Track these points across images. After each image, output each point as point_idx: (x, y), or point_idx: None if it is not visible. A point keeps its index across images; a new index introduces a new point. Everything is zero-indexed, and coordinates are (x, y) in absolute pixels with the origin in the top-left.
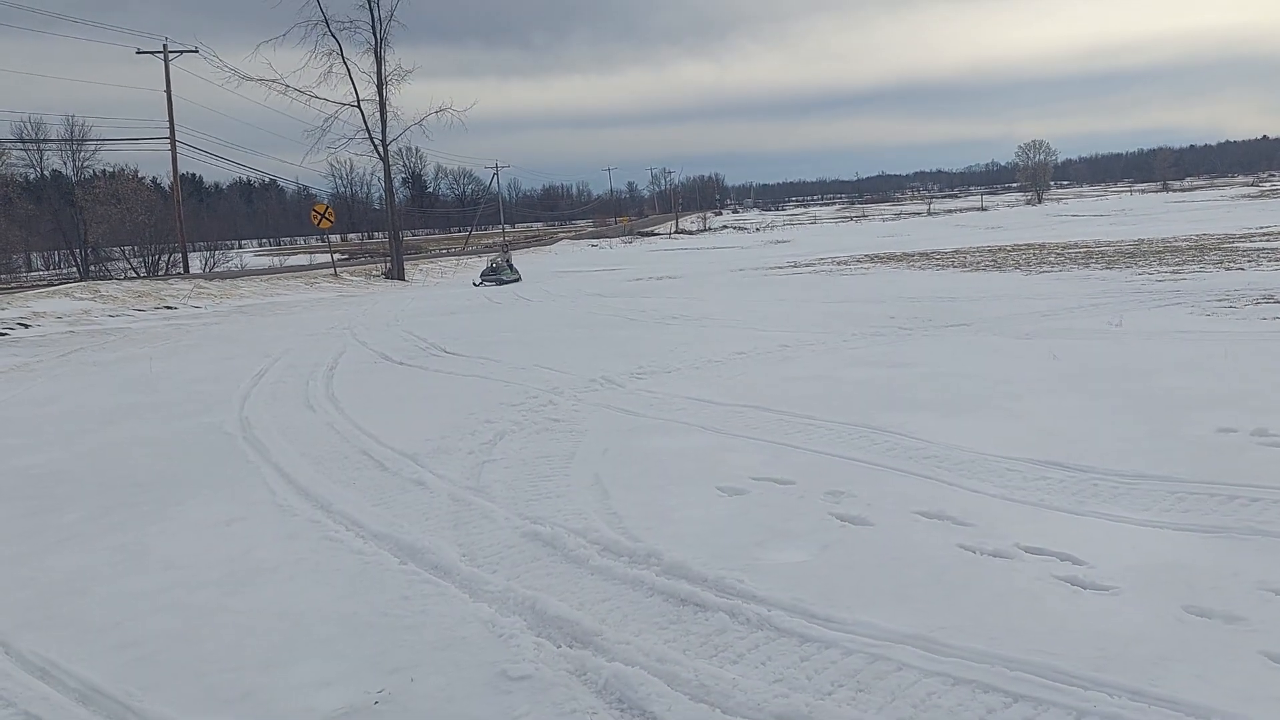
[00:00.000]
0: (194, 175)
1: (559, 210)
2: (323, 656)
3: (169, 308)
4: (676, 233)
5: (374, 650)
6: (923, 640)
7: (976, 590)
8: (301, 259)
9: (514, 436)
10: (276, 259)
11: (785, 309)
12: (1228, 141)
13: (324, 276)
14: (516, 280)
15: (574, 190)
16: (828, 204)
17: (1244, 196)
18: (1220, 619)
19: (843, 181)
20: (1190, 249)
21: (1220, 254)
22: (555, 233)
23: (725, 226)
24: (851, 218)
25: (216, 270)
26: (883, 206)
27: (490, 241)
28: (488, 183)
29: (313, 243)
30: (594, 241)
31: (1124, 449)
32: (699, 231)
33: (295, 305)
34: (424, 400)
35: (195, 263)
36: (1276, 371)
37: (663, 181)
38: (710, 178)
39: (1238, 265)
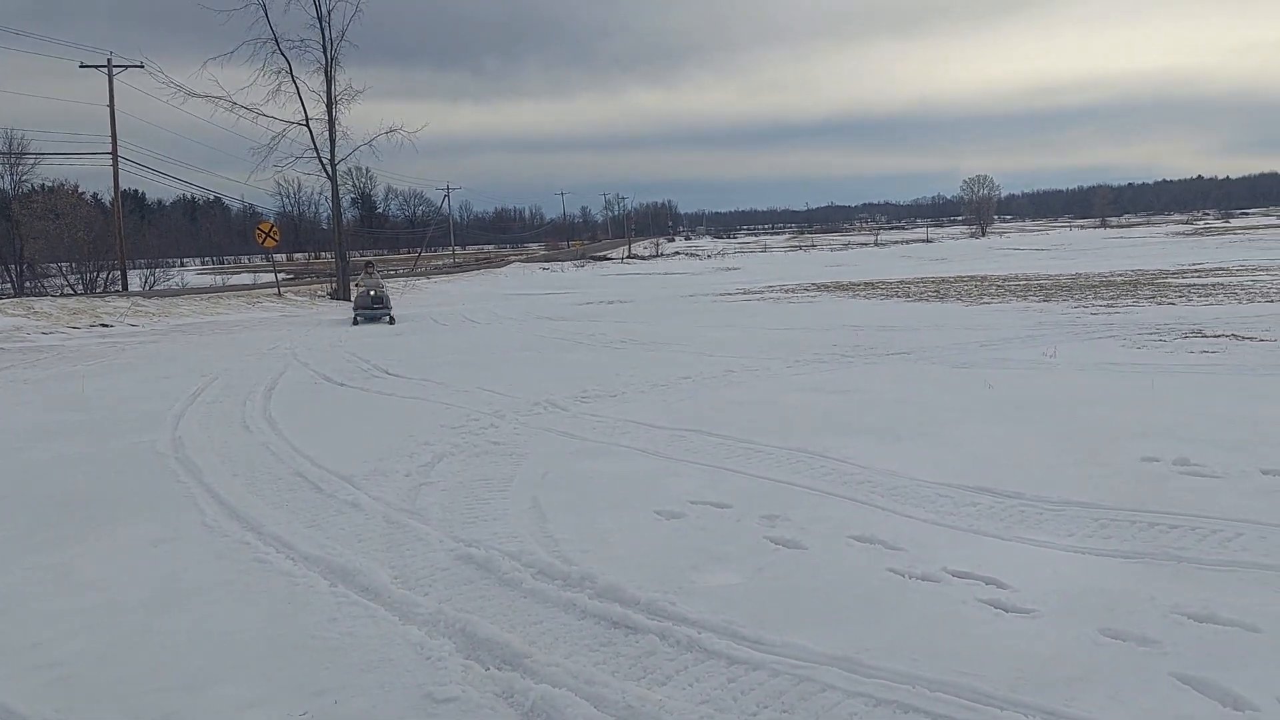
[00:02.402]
0: (136, 191)
1: (511, 233)
2: (247, 678)
3: (105, 325)
4: (629, 258)
5: (299, 672)
6: (848, 662)
7: (903, 613)
8: (245, 278)
9: (453, 459)
10: (219, 278)
11: (732, 335)
12: (1164, 180)
13: (267, 296)
14: (389, 315)
15: (526, 213)
16: (778, 233)
17: (1178, 234)
18: (1134, 641)
19: (793, 211)
20: (1125, 284)
21: (1153, 289)
22: (507, 255)
23: (678, 253)
24: (801, 247)
25: (156, 288)
26: (832, 236)
27: (439, 262)
28: (439, 204)
29: (257, 262)
30: (545, 265)
31: (1052, 476)
32: (651, 257)
33: (236, 325)
34: (363, 422)
35: (135, 280)
36: (1201, 404)
37: (616, 207)
38: (663, 204)
39: (1169, 300)
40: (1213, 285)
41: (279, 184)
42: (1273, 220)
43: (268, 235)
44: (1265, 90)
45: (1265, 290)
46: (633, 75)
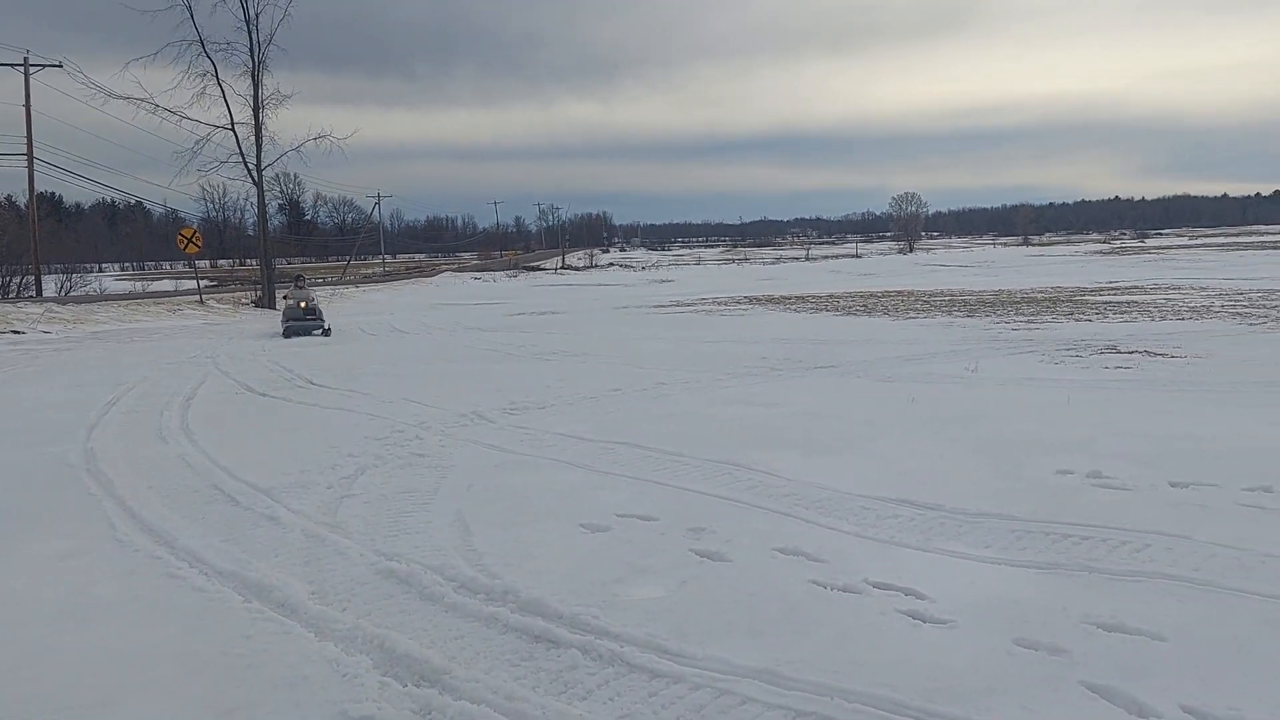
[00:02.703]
0: (53, 194)
1: (443, 242)
2: (156, 696)
3: (16, 332)
4: (562, 268)
5: (210, 690)
6: (769, 674)
7: (824, 624)
8: (167, 285)
9: (376, 471)
10: (139, 284)
11: (664, 347)
12: (1084, 201)
13: (189, 303)
14: (322, 328)
15: (459, 222)
16: (712, 246)
17: (1096, 253)
18: (1046, 651)
19: (727, 225)
20: (1045, 300)
21: (1071, 306)
22: (438, 264)
23: (612, 264)
24: (734, 260)
25: (73, 294)
26: (764, 250)
27: (369, 271)
28: (369, 212)
29: (179, 268)
30: (477, 275)
31: (971, 489)
32: (585, 268)
33: (155, 333)
34: (284, 433)
35: (50, 286)
36: (1113, 418)
37: (550, 217)
38: (598, 215)
39: (1086, 317)
40: (1127, 303)
41: (204, 189)
42: (1185, 241)
43: (190, 241)
44: (1179, 116)
45: (1176, 309)
46: (566, 86)
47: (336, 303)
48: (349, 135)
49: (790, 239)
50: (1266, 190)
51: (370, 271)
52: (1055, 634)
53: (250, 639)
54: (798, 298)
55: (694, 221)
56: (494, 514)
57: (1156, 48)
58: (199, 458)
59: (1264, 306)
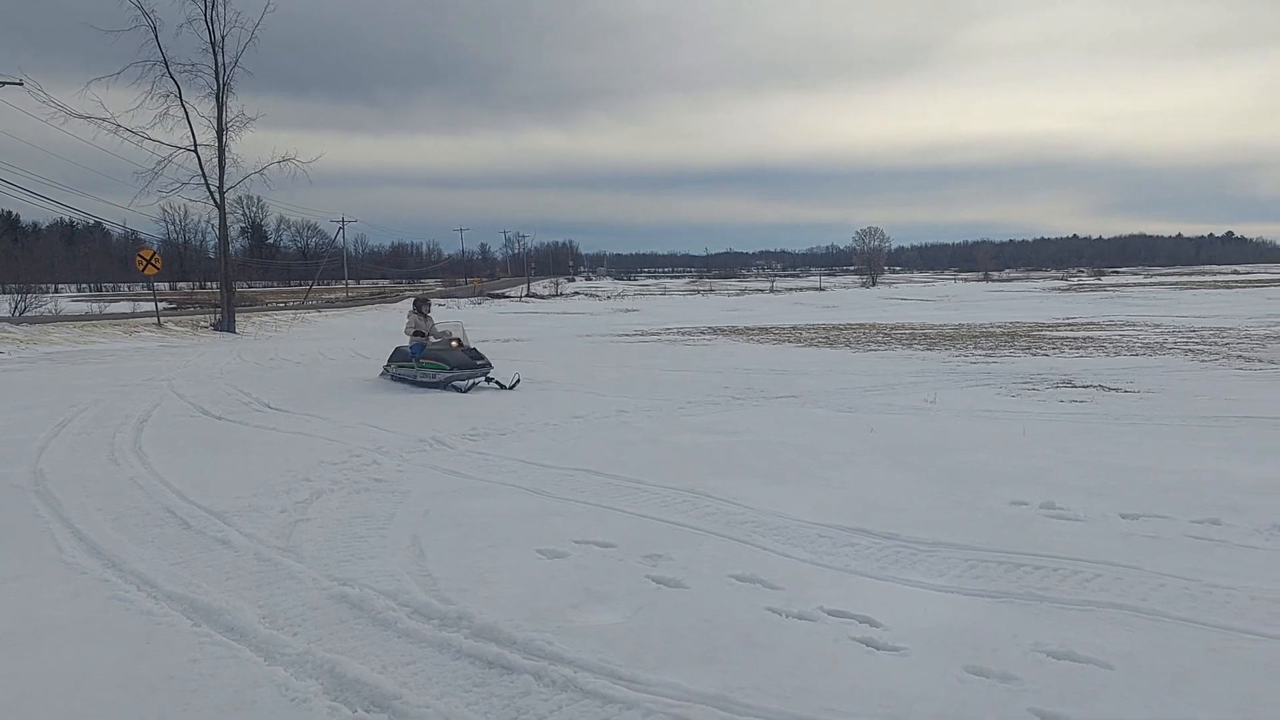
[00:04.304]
0: (9, 213)
1: (407, 268)
2: None
3: None
4: (528, 296)
5: (156, 715)
6: (723, 700)
7: (779, 651)
8: (124, 306)
9: (332, 496)
10: (96, 305)
11: (627, 375)
12: (1042, 238)
13: (147, 325)
14: (487, 374)
15: (424, 249)
16: (678, 276)
17: (1054, 289)
18: (997, 679)
19: (692, 256)
20: (1003, 335)
21: (1029, 340)
22: (403, 290)
23: (577, 293)
24: (699, 291)
25: (27, 314)
26: (729, 282)
27: (332, 296)
28: (333, 236)
29: (138, 290)
30: (441, 301)
31: (927, 518)
32: (550, 296)
33: (111, 354)
34: (239, 457)
35: (4, 305)
36: (1067, 450)
37: (516, 245)
38: (564, 244)
39: (1043, 351)
40: (1083, 339)
41: (164, 210)
42: (1140, 279)
43: (149, 262)
44: (1136, 157)
45: (1131, 345)
46: (533, 116)
47: (298, 327)
48: (313, 159)
49: (755, 271)
50: (1219, 231)
51: (334, 296)
52: (1006, 662)
53: (198, 663)
54: (761, 329)
55: (660, 252)
56: (450, 539)
57: (1115, 91)
58: (151, 480)
59: (1215, 344)
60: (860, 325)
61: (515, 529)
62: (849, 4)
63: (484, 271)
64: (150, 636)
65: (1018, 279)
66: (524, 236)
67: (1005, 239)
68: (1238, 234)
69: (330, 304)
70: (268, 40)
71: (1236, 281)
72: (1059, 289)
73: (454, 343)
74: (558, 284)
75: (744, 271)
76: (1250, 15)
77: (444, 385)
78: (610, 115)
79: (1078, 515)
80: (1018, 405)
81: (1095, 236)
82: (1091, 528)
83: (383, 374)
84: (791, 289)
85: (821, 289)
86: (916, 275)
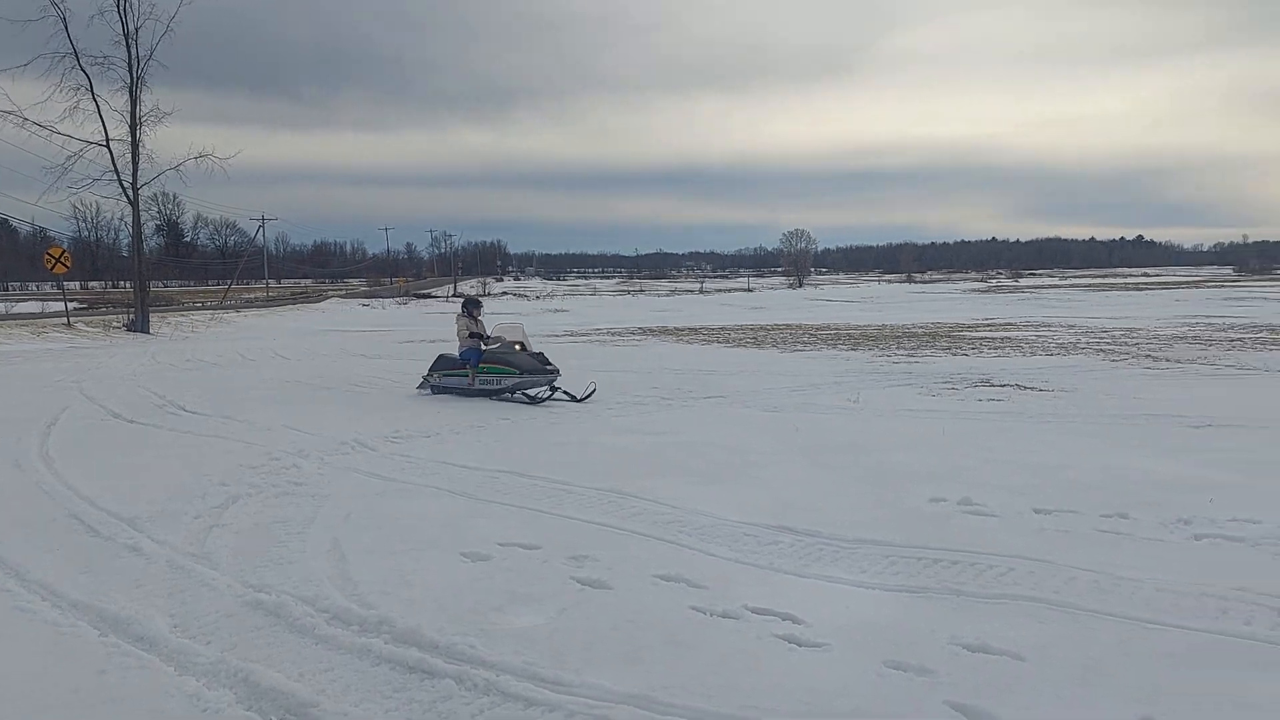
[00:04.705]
0: None
1: (330, 268)
2: None
3: None
4: (454, 296)
5: None
6: (645, 700)
7: (703, 650)
8: (32, 306)
9: (250, 500)
10: (2, 305)
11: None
12: (963, 241)
13: (56, 326)
14: (556, 376)
15: (348, 248)
16: (608, 276)
17: (974, 291)
18: (914, 672)
19: (623, 256)
20: (925, 335)
21: (949, 341)
22: (325, 290)
23: (505, 293)
24: (629, 291)
25: None
26: (659, 283)
27: (252, 296)
28: (252, 235)
29: (47, 289)
30: (366, 301)
31: (849, 516)
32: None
33: (18, 356)
34: (153, 461)
35: None
36: (985, 448)
37: (443, 244)
38: (492, 243)
39: (963, 351)
40: (1001, 339)
41: (75, 207)
42: (1056, 281)
43: (58, 261)
44: (1051, 162)
45: (1046, 345)
46: (460, 114)
47: (216, 327)
48: (232, 155)
49: (685, 272)
50: (1130, 235)
51: (253, 296)
52: (923, 655)
53: (105, 674)
54: (691, 329)
55: (590, 252)
56: (372, 543)
57: (1031, 98)
58: (58, 486)
59: (1125, 344)
60: (787, 326)
61: (439, 532)
62: (775, 9)
63: (410, 271)
64: (55, 648)
65: (939, 280)
66: (451, 236)
67: (928, 241)
68: (1148, 238)
69: (250, 304)
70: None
71: (1146, 284)
72: (979, 290)
73: (516, 345)
74: (485, 284)
75: (674, 272)
76: (1161, 27)
77: (511, 393)
78: (539, 114)
79: (994, 511)
80: (938, 404)
81: (1013, 239)
82: (1007, 523)
83: (421, 386)
84: (721, 290)
85: (750, 290)
86: (842, 277)
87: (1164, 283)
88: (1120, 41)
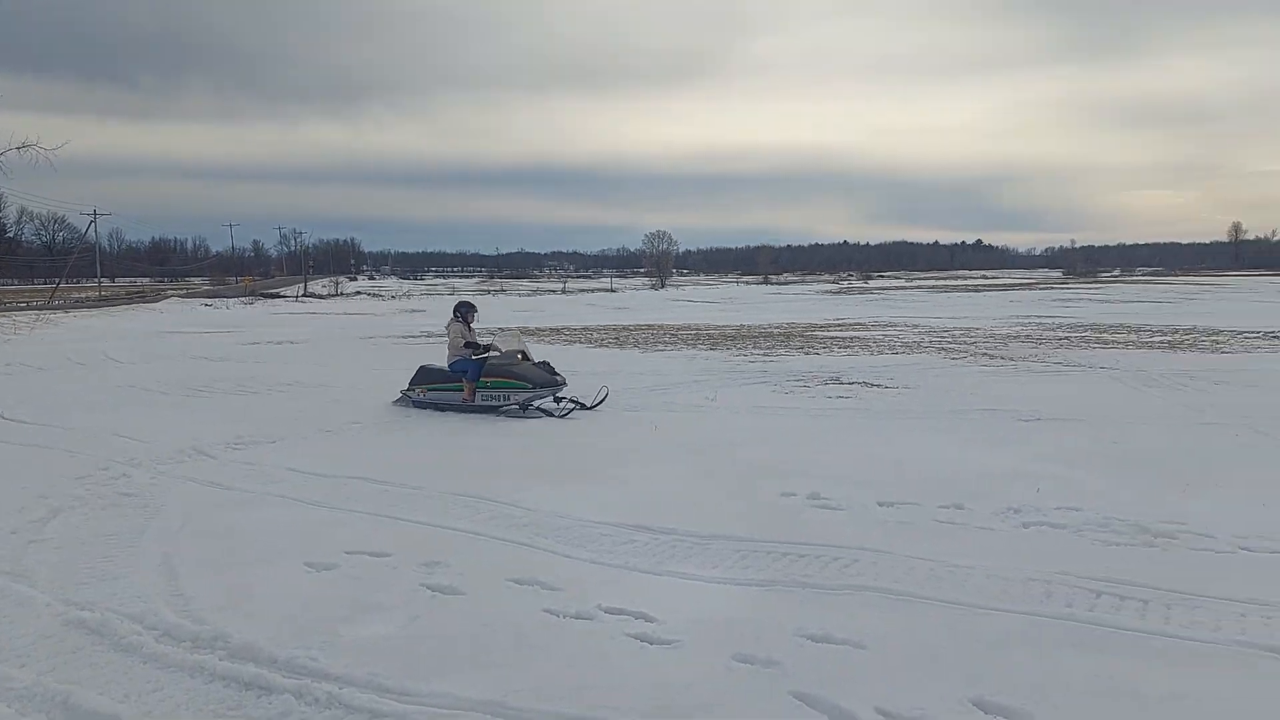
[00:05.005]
0: None
1: (170, 265)
2: None
3: None
4: (305, 296)
5: None
6: (495, 705)
7: (555, 652)
8: None
9: (73, 513)
10: None
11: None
12: (817, 244)
13: None
14: (564, 386)
15: (189, 245)
16: (468, 276)
17: (827, 292)
18: (761, 664)
19: (484, 255)
20: (780, 335)
21: (803, 340)
22: (164, 289)
23: (359, 292)
24: (490, 291)
25: None
26: (521, 282)
27: (83, 295)
28: (83, 231)
29: None
30: (208, 301)
31: (704, 513)
32: (330, 296)
33: None
34: None
35: None
36: (834, 444)
37: (293, 242)
38: (346, 241)
39: (815, 351)
40: (851, 338)
41: None
42: (902, 283)
43: None
44: (898, 169)
45: (892, 344)
46: (311, 107)
47: (42, 329)
48: (59, 146)
49: (548, 271)
50: (970, 239)
51: (84, 296)
52: (770, 648)
53: None
54: (552, 329)
55: (449, 251)
56: (208, 555)
57: (881, 107)
58: None
59: (964, 342)
60: (649, 326)
61: (282, 542)
62: (636, 11)
63: (257, 269)
64: None
65: (795, 282)
66: (302, 233)
67: (784, 244)
68: (986, 242)
69: (80, 304)
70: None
71: (984, 285)
72: (831, 291)
73: (518, 355)
74: (338, 283)
75: (536, 272)
76: (1000, 43)
77: (523, 408)
78: (394, 110)
79: (840, 505)
80: (791, 402)
81: (864, 242)
82: (853, 516)
83: (399, 401)
84: (584, 290)
85: (613, 290)
86: (703, 278)
87: (1000, 285)
88: (963, 55)
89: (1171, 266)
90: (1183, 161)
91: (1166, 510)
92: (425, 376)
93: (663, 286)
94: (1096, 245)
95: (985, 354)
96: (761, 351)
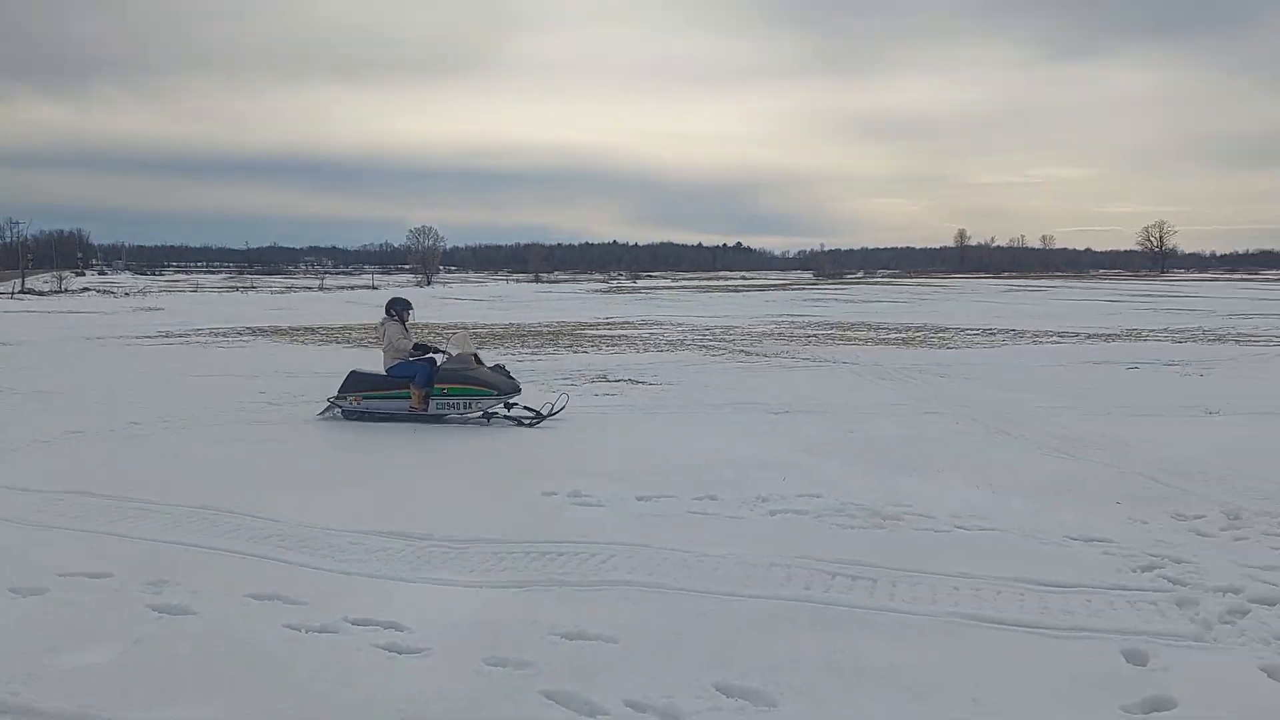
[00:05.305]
0: None
1: None
2: None
3: None
4: (22, 292)
5: None
6: None
7: (296, 670)
8: None
9: None
10: None
11: (145, 382)
12: (587, 243)
13: None
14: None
15: None
16: (214, 271)
17: (597, 291)
18: (513, 666)
19: (232, 250)
20: (549, 333)
21: (572, 339)
22: None
23: (87, 289)
24: (240, 288)
25: None
26: (274, 279)
27: None
28: None
29: None
30: None
31: (463, 516)
32: (53, 293)
33: None
34: None
35: None
36: (597, 440)
37: (8, 233)
38: (72, 233)
39: (584, 349)
40: (618, 337)
41: None
42: (669, 282)
43: None
44: (664, 172)
45: (657, 342)
46: (29, 83)
47: None
48: None
49: (305, 268)
50: (731, 241)
51: None
52: (523, 649)
53: None
54: (308, 329)
55: (192, 244)
56: None
57: (648, 112)
58: None
59: (724, 340)
60: (414, 325)
61: None
62: None
63: None
64: None
65: (565, 280)
66: (18, 223)
67: (555, 242)
68: (746, 244)
69: None
70: None
71: (743, 285)
72: (601, 290)
73: (472, 358)
74: (62, 278)
75: (291, 268)
76: (760, 54)
77: (487, 418)
78: (127, 90)
79: (600, 501)
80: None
81: (632, 243)
82: (612, 511)
83: (325, 412)
84: (344, 287)
85: (375, 288)
86: (472, 275)
87: (758, 285)
88: (721, 64)
89: (908, 269)
90: (916, 173)
91: (895, 494)
92: (359, 383)
93: (429, 283)
94: (843, 249)
95: (742, 351)
96: (530, 350)
